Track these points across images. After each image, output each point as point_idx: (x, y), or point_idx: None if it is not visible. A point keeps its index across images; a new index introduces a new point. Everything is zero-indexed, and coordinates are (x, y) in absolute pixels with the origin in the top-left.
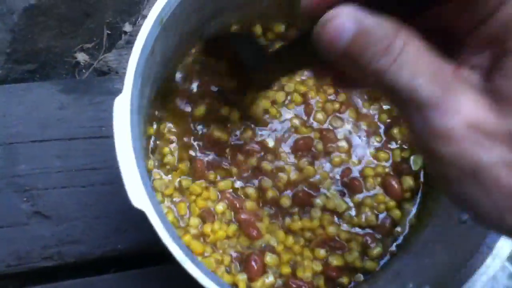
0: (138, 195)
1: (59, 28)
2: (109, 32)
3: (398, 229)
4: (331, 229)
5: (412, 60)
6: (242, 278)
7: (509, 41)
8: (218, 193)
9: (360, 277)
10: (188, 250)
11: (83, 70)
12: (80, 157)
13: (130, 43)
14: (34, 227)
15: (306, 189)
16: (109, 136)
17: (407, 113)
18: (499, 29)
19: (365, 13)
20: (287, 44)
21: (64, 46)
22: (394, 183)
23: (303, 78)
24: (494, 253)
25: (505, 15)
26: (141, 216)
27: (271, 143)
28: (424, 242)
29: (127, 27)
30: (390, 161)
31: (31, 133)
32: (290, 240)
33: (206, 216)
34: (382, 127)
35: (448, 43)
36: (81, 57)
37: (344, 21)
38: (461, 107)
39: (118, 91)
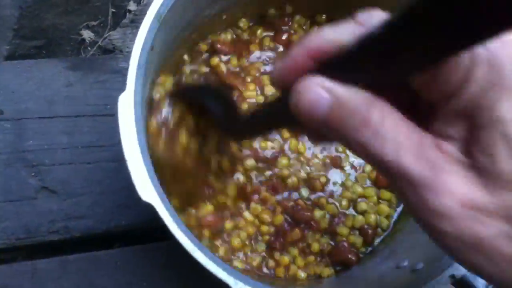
0: (145, 188)
1: (65, 5)
2: (114, 10)
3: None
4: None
5: (392, 133)
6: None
7: (479, 117)
8: None
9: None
10: (195, 239)
11: (88, 48)
12: (86, 134)
13: (134, 22)
14: (42, 201)
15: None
16: (114, 114)
17: (399, 187)
18: (468, 105)
19: (337, 83)
20: (261, 107)
21: (70, 23)
22: None
23: None
24: None
25: (469, 93)
26: None
27: None
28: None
29: (132, 6)
30: None
31: (39, 109)
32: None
33: None
34: None
35: (419, 113)
36: (87, 34)
37: (319, 92)
38: (453, 187)
39: (123, 70)
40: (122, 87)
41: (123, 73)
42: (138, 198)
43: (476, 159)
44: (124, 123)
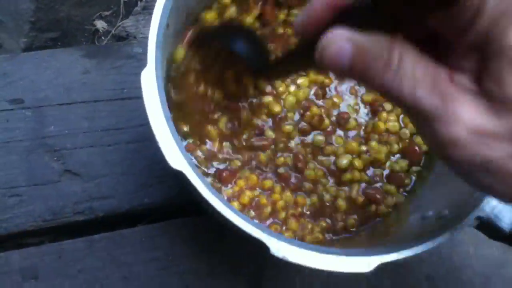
0: (175, 157)
1: None
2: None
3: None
4: None
5: (410, 71)
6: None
7: (490, 47)
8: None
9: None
10: (228, 203)
11: (102, 38)
12: (105, 118)
13: (146, 9)
14: (66, 184)
15: None
16: (131, 98)
17: (417, 124)
18: (480, 37)
19: (357, 33)
20: (289, 52)
21: (83, 14)
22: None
23: None
24: None
25: (481, 25)
26: (165, 171)
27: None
28: (437, 174)
29: None
30: None
31: (58, 96)
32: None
33: None
34: None
35: (436, 49)
36: (100, 24)
37: (341, 44)
38: (462, 115)
39: (137, 55)
40: (138, 71)
41: (138, 58)
42: (158, 177)
43: (485, 87)
44: (148, 96)
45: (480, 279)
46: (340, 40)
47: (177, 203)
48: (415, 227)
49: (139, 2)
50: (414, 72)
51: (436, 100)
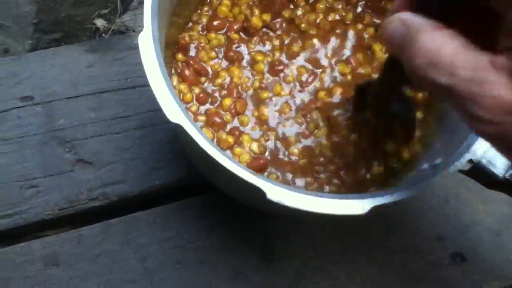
0: (173, 111)
1: None
2: None
3: None
4: None
5: (450, 58)
6: None
7: None
8: None
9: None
10: (225, 152)
11: (103, 35)
12: (111, 108)
13: (142, 3)
14: (79, 173)
15: None
16: (135, 86)
17: (450, 103)
18: None
19: (415, 16)
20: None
21: (83, 14)
22: None
23: None
24: None
25: None
26: (173, 154)
27: None
28: (431, 131)
29: None
30: None
31: (66, 91)
32: None
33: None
34: None
35: (486, 29)
36: (100, 23)
37: (395, 24)
38: (500, 98)
39: (137, 46)
40: (139, 61)
41: (138, 48)
42: (167, 160)
43: None
44: (145, 56)
45: (490, 235)
46: (397, 20)
47: (186, 183)
48: (410, 178)
49: None
50: (454, 60)
51: (473, 86)
